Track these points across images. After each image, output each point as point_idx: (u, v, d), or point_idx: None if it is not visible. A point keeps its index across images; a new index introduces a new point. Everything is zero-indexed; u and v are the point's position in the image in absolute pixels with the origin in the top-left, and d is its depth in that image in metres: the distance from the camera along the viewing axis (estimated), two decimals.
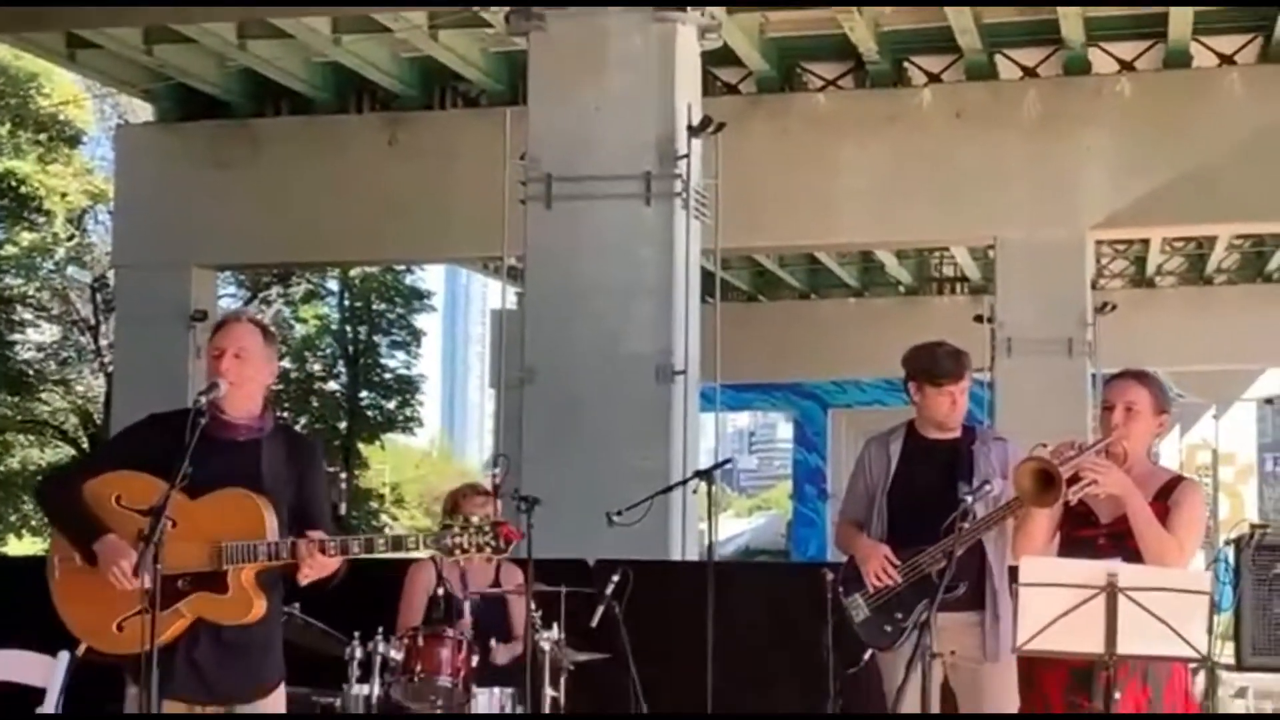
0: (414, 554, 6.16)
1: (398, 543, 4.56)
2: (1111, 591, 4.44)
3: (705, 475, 6.60)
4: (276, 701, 4.75)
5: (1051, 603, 4.46)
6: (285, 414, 27.90)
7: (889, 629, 5.60)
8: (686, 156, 11.87)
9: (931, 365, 5.75)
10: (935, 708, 5.03)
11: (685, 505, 10.76)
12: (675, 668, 6.42)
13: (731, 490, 70.46)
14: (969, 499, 5.14)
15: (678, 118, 11.90)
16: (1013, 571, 4.96)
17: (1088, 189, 15.65)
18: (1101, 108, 15.60)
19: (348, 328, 32.85)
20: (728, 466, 7.65)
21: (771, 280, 26.46)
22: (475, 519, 4.43)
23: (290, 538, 4.50)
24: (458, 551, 4.38)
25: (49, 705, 6.94)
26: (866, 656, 5.75)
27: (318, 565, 4.47)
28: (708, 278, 13.41)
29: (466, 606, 6.60)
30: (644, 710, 6.28)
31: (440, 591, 6.70)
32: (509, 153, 12.42)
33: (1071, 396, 15.09)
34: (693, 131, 11.96)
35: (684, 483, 7.42)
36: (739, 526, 47.73)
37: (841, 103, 16.25)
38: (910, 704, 5.05)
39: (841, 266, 25.12)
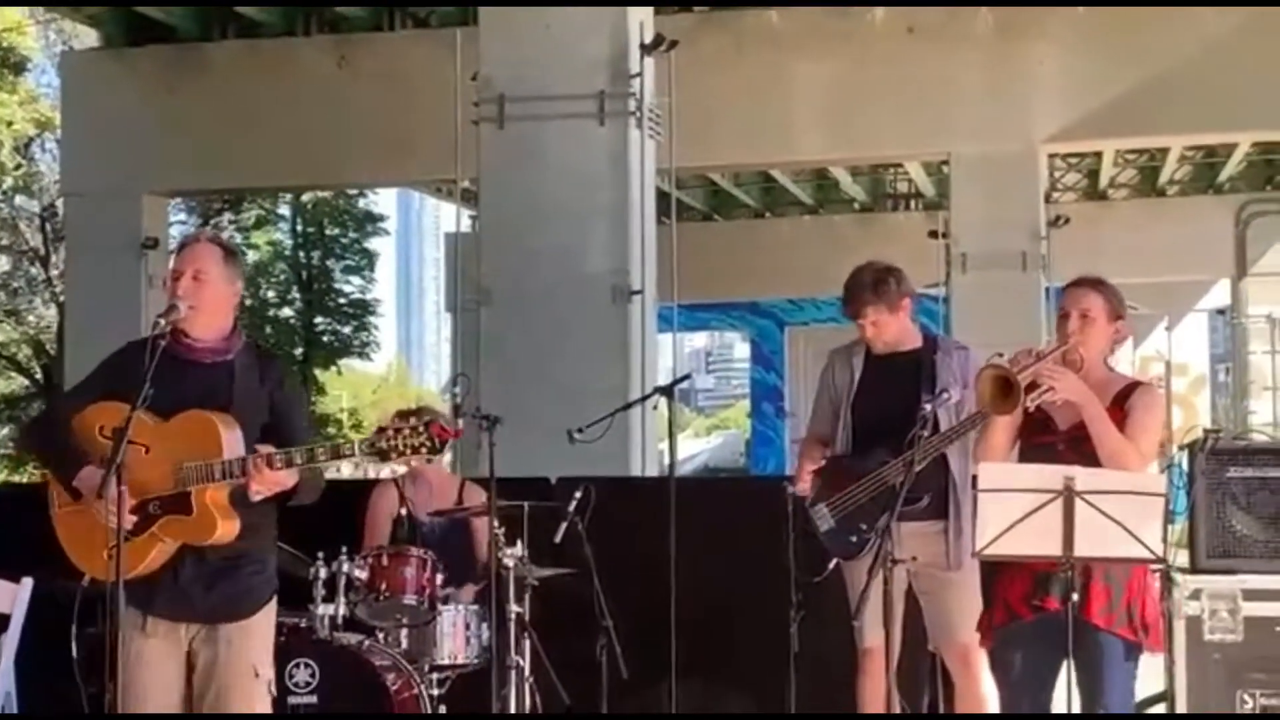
0: (367, 471, 6.16)
1: (336, 451, 4.46)
2: (1068, 495, 4.52)
3: (665, 391, 6.64)
4: (265, 619, 4.75)
5: (1010, 508, 4.54)
6: None
7: (854, 539, 5.67)
8: (639, 75, 11.81)
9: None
10: (898, 612, 5.10)
11: (645, 423, 10.82)
12: (639, 582, 6.47)
13: (689, 410, 70.71)
14: (928, 407, 5.19)
15: (630, 36, 11.83)
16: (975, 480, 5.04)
17: (1040, 102, 15.67)
18: (1054, 21, 15.59)
19: (300, 253, 32.70)
20: (686, 383, 7.67)
21: (727, 199, 26.44)
22: (410, 421, 4.37)
23: (241, 455, 4.47)
24: (393, 455, 4.33)
25: (12, 631, 6.98)
26: (831, 566, 5.83)
27: (266, 480, 4.43)
28: (663, 197, 13.40)
29: (428, 527, 6.65)
30: (609, 625, 6.33)
31: (404, 512, 6.75)
32: (461, 74, 12.34)
33: (1026, 310, 15.19)
34: (645, 49, 11.90)
35: (644, 399, 7.48)
36: (698, 446, 47.92)
37: (794, 19, 16.17)
38: (873, 609, 5.13)
39: (796, 184, 25.12)
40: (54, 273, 26.82)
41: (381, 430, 4.38)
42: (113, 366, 4.73)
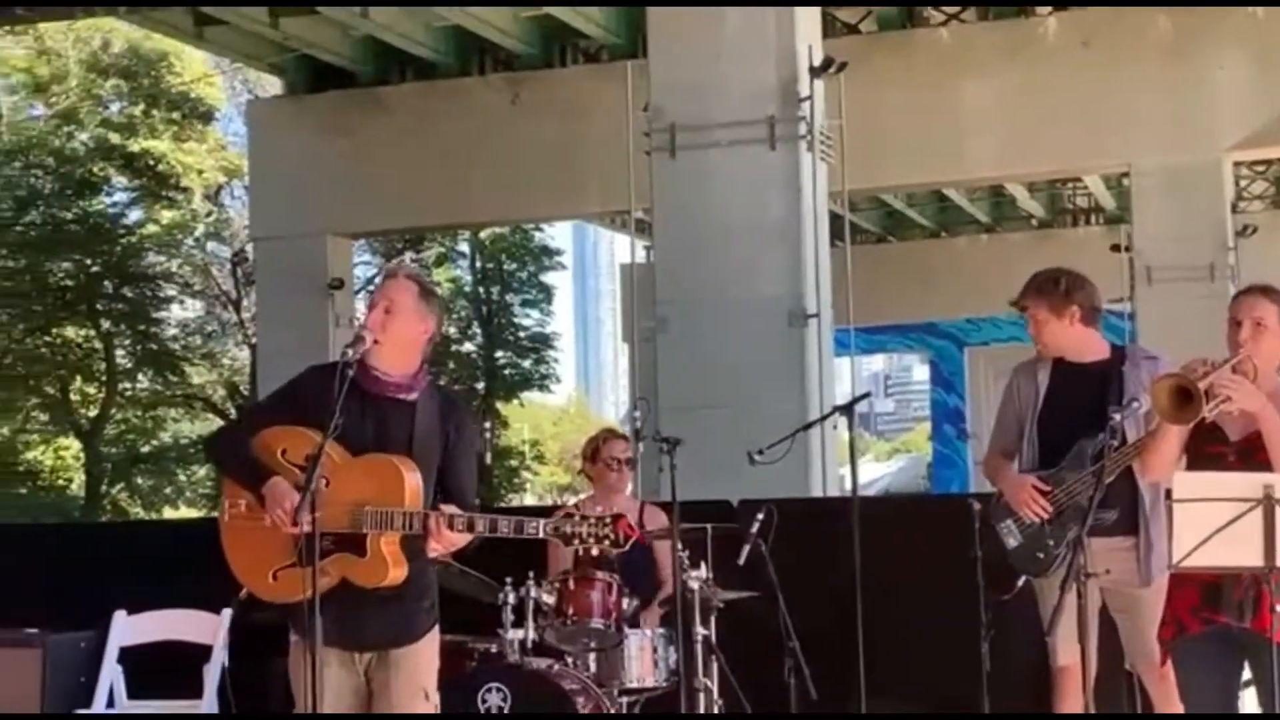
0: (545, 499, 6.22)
1: (519, 526, 4.49)
2: (1269, 503, 4.40)
3: (845, 410, 6.61)
4: (430, 645, 4.79)
5: (1206, 518, 4.43)
6: None
7: (1041, 555, 5.59)
8: (809, 98, 11.83)
9: None
10: (1093, 629, 5.01)
11: (824, 444, 10.80)
12: (824, 603, 6.46)
13: (869, 434, 70.06)
14: (1116, 417, 5.10)
15: (799, 60, 11.86)
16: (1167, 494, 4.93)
17: (1223, 110, 15.35)
18: (1233, 26, 15.27)
19: (480, 289, 33.16)
20: (865, 406, 7.64)
21: (901, 220, 26.26)
22: (597, 511, 4.46)
23: (424, 510, 4.51)
24: (575, 541, 4.41)
25: (214, 660, 7.22)
26: (1020, 583, 5.74)
27: (444, 540, 4.49)
28: (836, 220, 13.37)
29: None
30: (795, 646, 6.32)
31: None
32: (632, 105, 12.47)
33: (1215, 322, 14.76)
34: (815, 73, 11.92)
35: (824, 419, 7.45)
36: (879, 470, 47.42)
37: (965, 36, 16.07)
38: (1066, 626, 5.04)
39: (972, 202, 24.87)
40: (245, 315, 27.58)
41: (569, 516, 4.47)
42: (294, 390, 4.76)
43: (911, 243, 26.95)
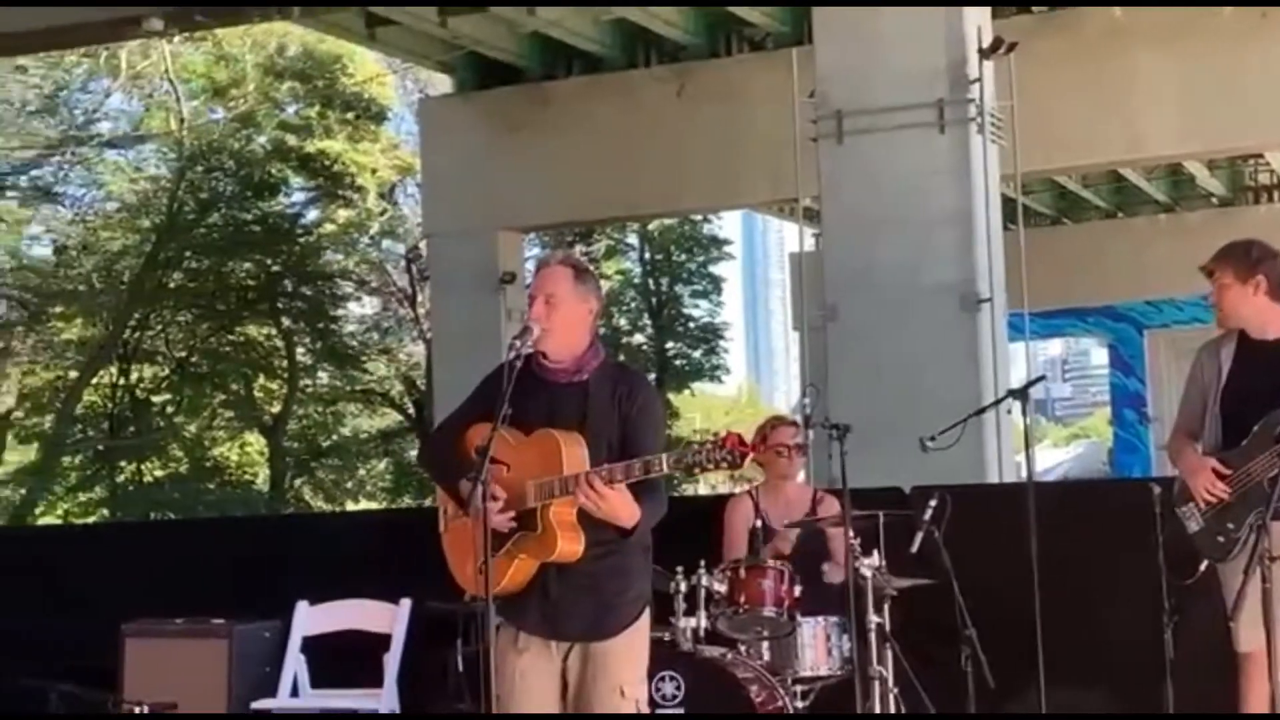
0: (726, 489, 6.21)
1: (646, 466, 4.45)
2: None
3: (1019, 394, 6.50)
4: (633, 639, 4.74)
5: None
6: None
7: (1222, 539, 5.46)
8: (979, 80, 11.68)
9: None
10: (1278, 612, 4.87)
11: (1000, 430, 10.66)
12: (1000, 591, 6.37)
13: (1046, 420, 68.95)
14: None
15: (967, 41, 11.71)
16: None
17: None
18: None
19: (650, 280, 33.28)
20: (1042, 391, 7.51)
21: (1076, 201, 25.77)
22: (712, 436, 4.41)
23: (577, 473, 4.50)
24: (696, 469, 4.39)
25: (394, 650, 7.35)
26: (1202, 567, 5.61)
27: (592, 498, 4.45)
28: (1008, 203, 13.17)
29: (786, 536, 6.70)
30: (972, 634, 6.25)
31: (759, 524, 6.82)
32: (798, 93, 12.42)
33: None
34: (984, 54, 11.77)
35: (997, 403, 7.34)
36: (1057, 456, 46.64)
37: (1138, 11, 15.69)
38: (1250, 611, 4.91)
39: (1149, 182, 24.31)
40: (420, 311, 28.02)
41: (687, 444, 4.46)
42: (485, 388, 4.83)
43: (1087, 224, 26.42)
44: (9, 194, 27.21)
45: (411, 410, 29.70)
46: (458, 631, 6.72)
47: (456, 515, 4.73)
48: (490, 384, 4.78)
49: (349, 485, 30.94)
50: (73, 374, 27.92)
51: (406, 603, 7.29)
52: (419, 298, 28.20)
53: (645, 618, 4.79)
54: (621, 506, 4.53)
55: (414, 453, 26.58)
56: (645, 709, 4.81)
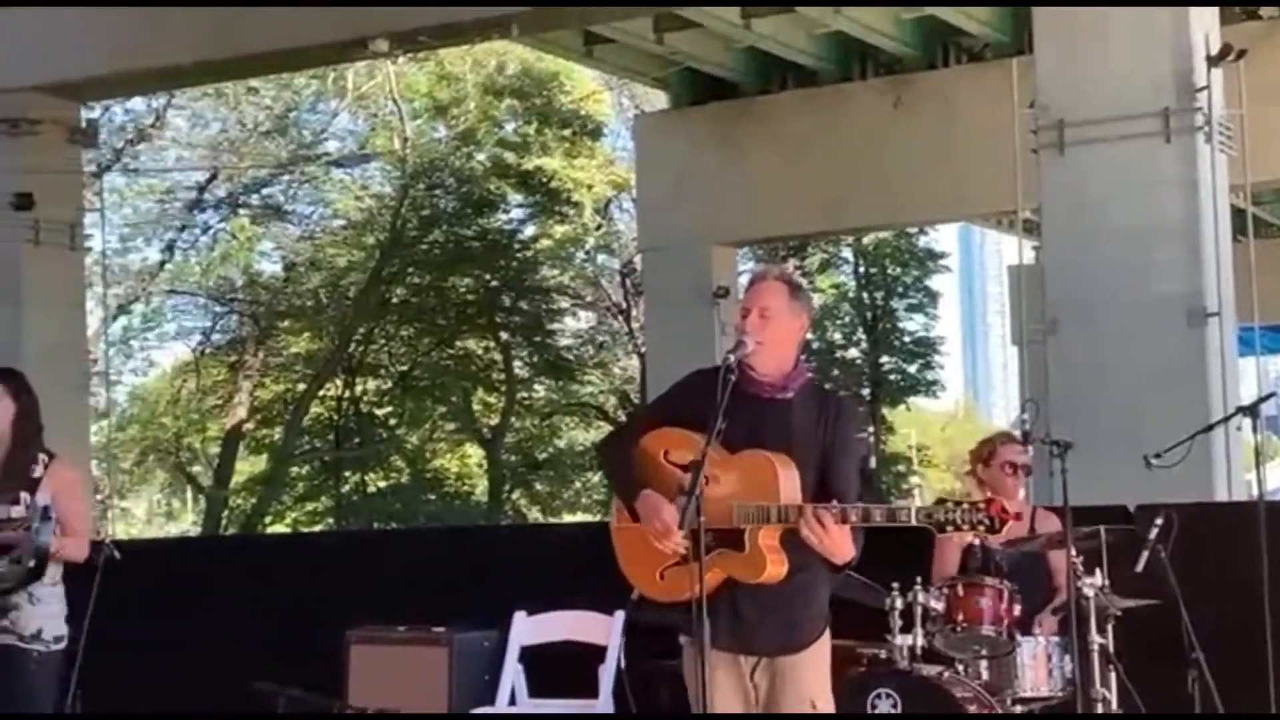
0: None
1: (891, 514, 4.43)
2: None
3: (1249, 411, 6.32)
4: (819, 652, 4.76)
5: None
6: None
7: None
8: (1207, 88, 11.37)
9: None
10: None
11: (1228, 448, 10.34)
12: (1229, 613, 6.20)
13: (1278, 437, 66.59)
14: None
15: (1194, 49, 11.41)
16: None
17: None
18: None
19: (864, 294, 33.06)
20: (1274, 405, 7.28)
21: None
22: (972, 498, 4.36)
23: (799, 503, 4.49)
24: (949, 528, 4.33)
25: (609, 661, 7.41)
26: None
27: (817, 532, 4.45)
28: (1237, 214, 12.79)
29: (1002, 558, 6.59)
30: (1199, 657, 6.08)
31: (976, 542, 6.71)
32: (1018, 103, 12.23)
33: None
34: (1212, 61, 11.45)
35: (1227, 419, 7.14)
36: None
37: None
38: None
39: None
40: (635, 325, 28.26)
41: (941, 502, 4.40)
42: (680, 392, 4.85)
43: None
44: (241, 212, 28.20)
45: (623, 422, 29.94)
46: (668, 643, 6.74)
47: (633, 517, 4.75)
48: (687, 389, 4.81)
49: (565, 497, 31.32)
50: (300, 387, 28.80)
51: (621, 614, 7.34)
52: (633, 312, 28.44)
53: (827, 635, 4.82)
54: (842, 544, 4.53)
55: None
56: None
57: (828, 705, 4.75)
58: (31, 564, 5.73)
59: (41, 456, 5.87)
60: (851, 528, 4.53)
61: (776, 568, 4.58)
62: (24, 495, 5.70)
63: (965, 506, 4.30)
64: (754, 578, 4.58)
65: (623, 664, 7.16)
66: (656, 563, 4.65)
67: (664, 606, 4.70)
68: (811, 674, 4.73)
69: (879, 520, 4.45)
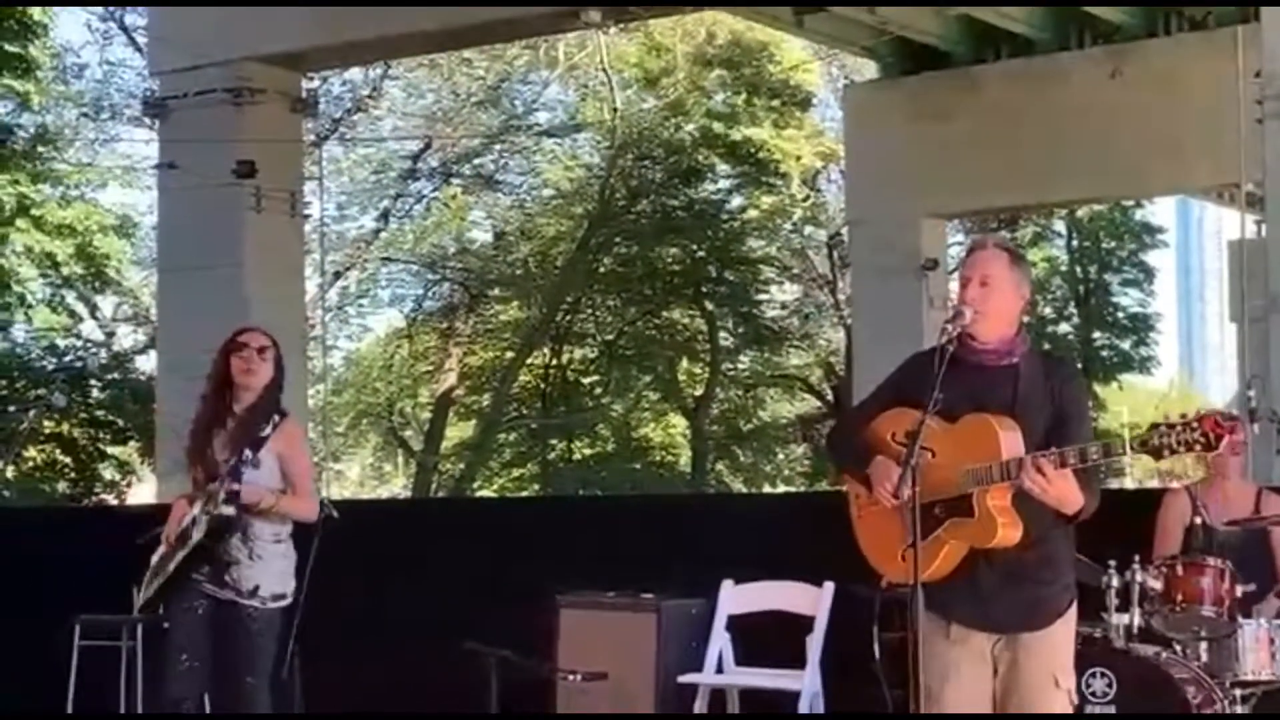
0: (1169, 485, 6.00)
1: (1107, 449, 4.32)
2: None
3: None
4: (1064, 628, 4.67)
5: None
6: None
7: None
8: None
9: None
10: None
11: None
12: None
13: None
14: None
15: None
16: None
17: None
18: None
19: (1077, 268, 32.40)
20: None
21: None
22: (1182, 415, 4.23)
23: (1019, 456, 4.41)
24: (1165, 451, 4.20)
25: (817, 632, 7.42)
26: None
27: (1039, 482, 4.35)
28: None
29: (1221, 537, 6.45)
30: None
31: (1198, 521, 6.57)
32: (1243, 72, 11.87)
33: None
34: None
35: None
36: None
37: None
38: None
39: None
40: (840, 297, 28.09)
41: (1155, 426, 4.26)
42: (901, 376, 4.81)
43: None
44: (454, 181, 28.69)
45: (830, 396, 29.80)
46: (874, 617, 6.71)
47: (870, 501, 4.72)
48: (907, 371, 4.77)
49: (768, 469, 31.31)
50: (509, 354, 29.22)
51: (830, 586, 7.35)
52: (839, 284, 28.27)
53: (1074, 609, 4.71)
54: (1068, 491, 4.43)
55: None
56: (1075, 700, 4.71)
57: (1069, 681, 4.66)
58: (231, 511, 5.83)
59: (274, 417, 6.02)
60: (1081, 479, 4.44)
61: (1010, 530, 4.49)
62: (246, 451, 5.84)
63: (1179, 426, 4.18)
64: (987, 542, 4.52)
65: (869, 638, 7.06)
66: (896, 544, 4.58)
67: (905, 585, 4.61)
68: (1057, 650, 4.66)
69: (1095, 456, 4.35)
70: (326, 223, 23.37)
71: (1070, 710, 4.66)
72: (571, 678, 7.43)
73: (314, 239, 19.63)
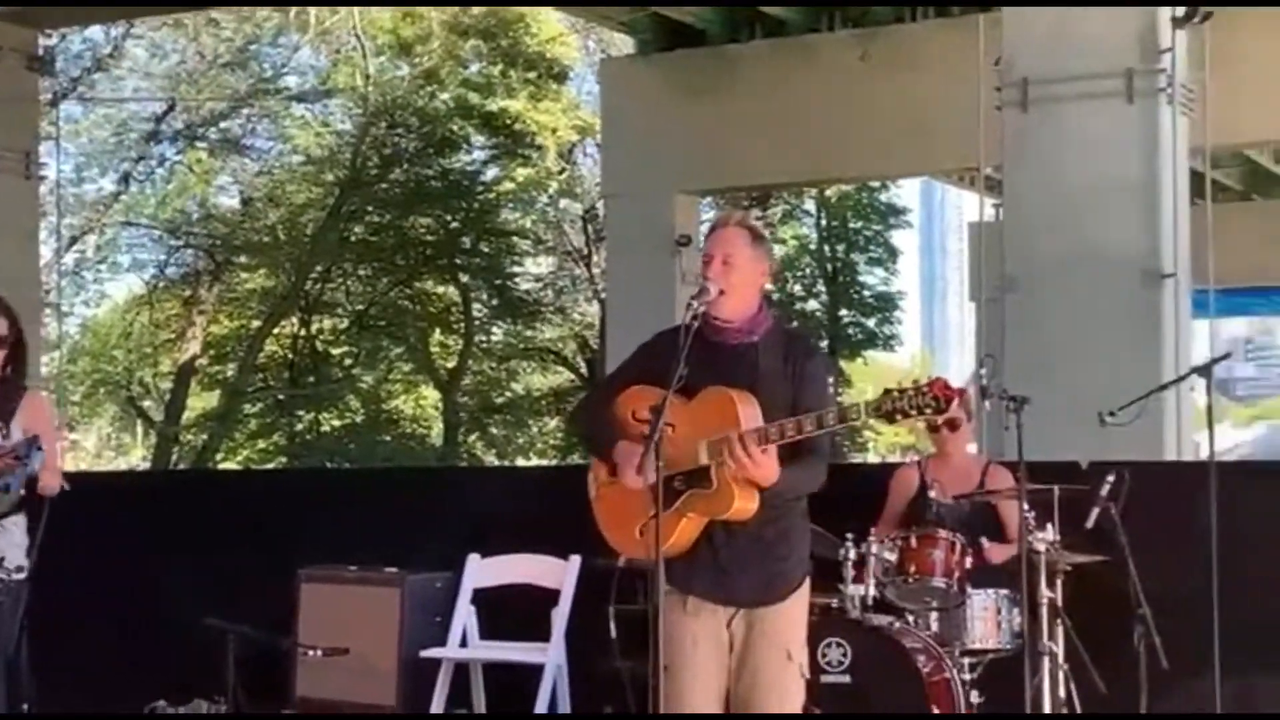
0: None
1: (843, 414, 4.39)
2: None
3: (1203, 371, 6.37)
4: (797, 603, 4.76)
5: None
6: None
7: None
8: (1170, 50, 11.39)
9: None
10: None
11: (1179, 408, 10.43)
12: (1176, 571, 6.25)
13: (1228, 399, 67.23)
14: None
15: (1160, 10, 11.42)
16: None
17: None
18: None
19: (826, 247, 33.11)
20: (1224, 370, 7.33)
21: (1266, 177, 25.05)
22: (916, 382, 4.30)
23: (756, 428, 4.45)
24: (898, 415, 4.27)
25: (562, 605, 7.43)
26: None
27: (739, 462, 4.41)
28: (1196, 177, 12.84)
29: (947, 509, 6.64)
30: (1145, 613, 6.14)
31: (930, 493, 6.77)
32: (984, 59, 12.23)
33: None
34: (1177, 23, 11.47)
35: (1180, 380, 7.20)
36: (1236, 437, 45.54)
37: None
38: None
39: None
40: (596, 271, 28.21)
41: (887, 392, 4.33)
42: (644, 353, 4.84)
43: (1277, 201, 25.68)
44: (199, 145, 27.95)
45: (584, 369, 29.94)
46: (611, 591, 6.72)
47: (609, 481, 4.75)
48: (650, 349, 4.81)
49: (521, 442, 31.31)
50: (255, 323, 28.64)
51: (576, 559, 7.35)
52: (594, 258, 28.38)
53: (807, 583, 4.80)
54: (769, 470, 4.48)
55: None
56: (807, 673, 4.80)
57: (802, 654, 4.75)
58: (22, 492, 5.68)
59: (18, 386, 5.83)
60: (806, 454, 4.52)
61: (746, 501, 4.54)
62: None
63: (910, 391, 4.26)
64: (724, 512, 4.56)
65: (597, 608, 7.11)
66: (634, 520, 4.62)
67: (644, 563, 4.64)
68: (790, 624, 4.73)
69: (831, 423, 4.41)
70: (64, 185, 22.52)
71: (801, 682, 4.75)
72: (312, 653, 7.31)
73: (50, 201, 18.89)
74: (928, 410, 4.25)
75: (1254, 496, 6.67)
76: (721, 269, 4.69)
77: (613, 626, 5.88)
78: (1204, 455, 6.53)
